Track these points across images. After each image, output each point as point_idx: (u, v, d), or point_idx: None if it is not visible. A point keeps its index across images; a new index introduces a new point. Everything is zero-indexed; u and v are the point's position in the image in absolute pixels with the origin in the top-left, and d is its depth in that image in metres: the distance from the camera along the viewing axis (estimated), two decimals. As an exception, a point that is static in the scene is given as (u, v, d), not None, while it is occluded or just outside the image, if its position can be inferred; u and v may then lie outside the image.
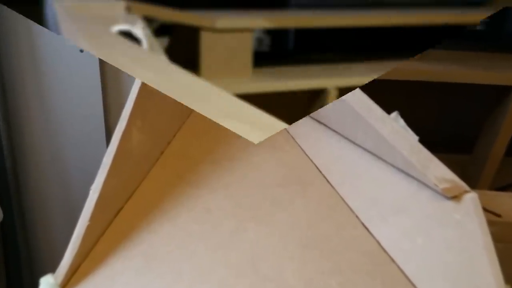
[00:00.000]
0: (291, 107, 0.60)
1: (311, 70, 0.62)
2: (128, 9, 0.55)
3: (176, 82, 0.48)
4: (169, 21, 0.57)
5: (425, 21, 0.62)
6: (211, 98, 0.47)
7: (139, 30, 0.55)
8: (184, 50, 0.59)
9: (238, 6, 0.77)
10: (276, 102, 0.58)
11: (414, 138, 0.44)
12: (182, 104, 0.45)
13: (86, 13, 0.54)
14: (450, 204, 0.35)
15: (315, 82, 0.58)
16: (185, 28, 0.57)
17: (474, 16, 0.65)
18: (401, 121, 0.50)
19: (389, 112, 0.46)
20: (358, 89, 0.46)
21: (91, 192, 0.37)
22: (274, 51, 0.62)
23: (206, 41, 0.56)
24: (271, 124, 0.44)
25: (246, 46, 0.57)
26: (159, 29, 0.58)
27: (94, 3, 0.55)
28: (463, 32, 0.95)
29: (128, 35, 0.55)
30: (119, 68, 0.49)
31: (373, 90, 0.47)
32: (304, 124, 0.54)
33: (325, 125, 0.52)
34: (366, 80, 0.58)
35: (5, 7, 0.86)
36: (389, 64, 0.67)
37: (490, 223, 0.33)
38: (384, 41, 0.75)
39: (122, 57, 0.51)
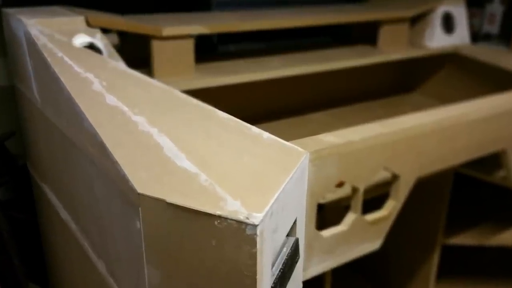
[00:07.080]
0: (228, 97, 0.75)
1: (237, 66, 0.77)
2: (88, 23, 0.64)
3: (133, 84, 0.60)
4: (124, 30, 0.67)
5: (318, 22, 0.80)
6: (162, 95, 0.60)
7: (99, 41, 0.65)
8: (137, 54, 0.69)
9: (167, 10, 0.88)
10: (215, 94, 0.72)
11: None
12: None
13: (51, 28, 0.61)
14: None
15: (241, 77, 0.73)
16: (137, 35, 0.68)
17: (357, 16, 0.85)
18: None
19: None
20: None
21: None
22: (200, 44, 0.75)
23: (156, 47, 0.68)
24: (209, 111, 0.58)
25: (188, 49, 0.70)
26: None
27: (57, 19, 0.62)
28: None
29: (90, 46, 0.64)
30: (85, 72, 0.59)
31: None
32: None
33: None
34: (281, 73, 0.75)
35: None
36: (296, 57, 0.85)
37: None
38: (290, 37, 0.92)
39: (86, 64, 0.60)
